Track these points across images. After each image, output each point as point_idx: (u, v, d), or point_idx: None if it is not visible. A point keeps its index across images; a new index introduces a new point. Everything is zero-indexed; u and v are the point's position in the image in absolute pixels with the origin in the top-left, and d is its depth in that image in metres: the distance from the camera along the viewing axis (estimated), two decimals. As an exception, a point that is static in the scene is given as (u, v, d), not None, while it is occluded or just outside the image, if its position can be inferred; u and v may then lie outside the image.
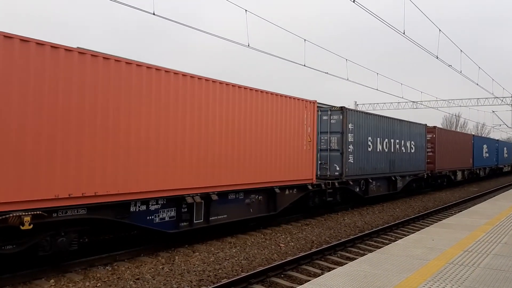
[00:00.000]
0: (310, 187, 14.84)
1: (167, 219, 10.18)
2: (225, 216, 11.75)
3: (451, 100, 46.33)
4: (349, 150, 17.31)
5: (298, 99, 14.31)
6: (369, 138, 18.83)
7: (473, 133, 45.92)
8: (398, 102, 46.48)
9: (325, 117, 17.38)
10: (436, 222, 15.01)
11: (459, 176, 31.88)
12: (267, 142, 12.92)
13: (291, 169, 13.89)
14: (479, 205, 14.80)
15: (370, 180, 19.06)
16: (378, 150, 19.53)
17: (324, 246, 11.06)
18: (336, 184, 16.54)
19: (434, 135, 26.98)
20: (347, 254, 10.98)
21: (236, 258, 10.11)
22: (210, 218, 11.29)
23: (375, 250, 10.39)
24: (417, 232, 9.58)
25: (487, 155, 40.16)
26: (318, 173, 16.89)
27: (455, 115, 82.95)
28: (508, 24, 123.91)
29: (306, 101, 14.66)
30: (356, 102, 48.36)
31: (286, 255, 10.66)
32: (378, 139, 19.61)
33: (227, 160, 11.57)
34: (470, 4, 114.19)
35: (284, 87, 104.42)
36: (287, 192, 13.99)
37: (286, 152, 13.70)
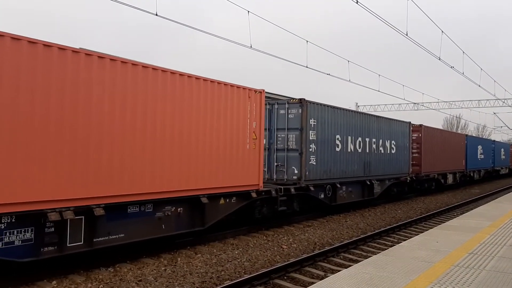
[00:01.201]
0: (254, 194, 12.29)
1: (17, 243, 7.32)
2: (122, 235, 9.00)
3: (452, 102, 46.33)
4: (311, 150, 14.84)
5: (239, 86, 11.78)
6: (338, 136, 16.38)
7: (474, 135, 45.70)
8: (399, 104, 46.51)
9: (282, 111, 14.97)
10: (439, 224, 14.94)
11: (450, 179, 29.36)
12: (190, 139, 10.20)
13: (228, 173, 11.32)
14: (482, 207, 14.76)
15: (338, 185, 16.47)
16: (349, 150, 17.09)
17: (327, 248, 11.00)
18: (292, 190, 14.04)
19: (420, 134, 24.49)
20: (350, 256, 10.93)
21: (238, 260, 10.06)
22: (96, 239, 8.47)
23: (378, 252, 10.37)
24: (421, 234, 9.53)
25: (482, 156, 37.56)
26: (274, 177, 14.89)
27: (456, 117, 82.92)
28: (511, 25, 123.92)
29: (250, 90, 12.15)
30: (357, 103, 48.36)
31: (289, 256, 10.61)
32: (350, 137, 17.17)
33: (125, 162, 8.81)
34: (473, 5, 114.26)
35: (286, 88, 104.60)
36: (221, 201, 11.43)
37: (220, 152, 11.07)
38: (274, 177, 14.93)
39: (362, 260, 9.29)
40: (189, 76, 10.21)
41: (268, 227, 13.72)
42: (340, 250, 11.19)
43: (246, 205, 12.36)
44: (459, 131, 71.24)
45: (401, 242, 11.52)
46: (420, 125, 24.72)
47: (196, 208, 10.66)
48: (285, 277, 8.95)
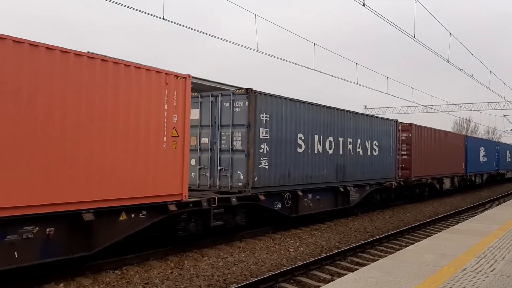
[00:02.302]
0: (173, 207, 9.65)
1: None
2: None
3: (461, 104, 46.02)
4: (262, 151, 12.49)
5: (149, 69, 9.22)
6: (300, 135, 13.95)
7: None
8: (408, 107, 46.26)
9: (227, 104, 12.65)
10: (448, 227, 14.83)
11: (447, 184, 26.60)
12: (74, 136, 7.87)
13: (132, 180, 8.81)
14: (491, 210, 14.64)
15: (301, 193, 13.94)
16: (316, 151, 14.68)
17: (334, 252, 10.97)
18: (234, 200, 11.56)
19: (410, 134, 21.96)
20: (357, 260, 10.88)
21: (245, 263, 10.06)
22: None
23: (385, 256, 10.32)
24: (429, 238, 9.48)
25: (485, 159, 34.79)
26: (218, 183, 12.63)
27: (466, 119, 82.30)
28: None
29: (169, 74, 9.63)
30: (366, 106, 48.20)
31: (296, 260, 10.59)
32: (317, 136, 14.73)
33: None
34: (482, 6, 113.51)
35: (294, 91, 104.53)
36: (122, 217, 8.81)
37: (118, 153, 8.59)
38: (218, 183, 12.66)
39: (369, 264, 9.27)
40: (51, 48, 7.59)
41: (275, 230, 13.70)
42: (348, 254, 11.14)
43: (166, 220, 9.95)
44: (469, 134, 70.70)
45: (408, 245, 11.47)
46: (410, 124, 22.37)
47: (78, 227, 8.06)
48: (292, 281, 8.93)
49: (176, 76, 9.83)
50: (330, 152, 15.48)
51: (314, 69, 18.45)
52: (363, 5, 12.15)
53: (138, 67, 9.00)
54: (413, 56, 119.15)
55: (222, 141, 12.71)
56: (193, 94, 12.07)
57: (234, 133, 12.48)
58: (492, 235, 9.63)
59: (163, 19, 11.28)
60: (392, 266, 6.67)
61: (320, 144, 14.94)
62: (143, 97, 9.04)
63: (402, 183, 20.89)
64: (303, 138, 14.08)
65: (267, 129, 12.73)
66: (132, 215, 8.96)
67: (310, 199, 14.66)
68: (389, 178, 19.68)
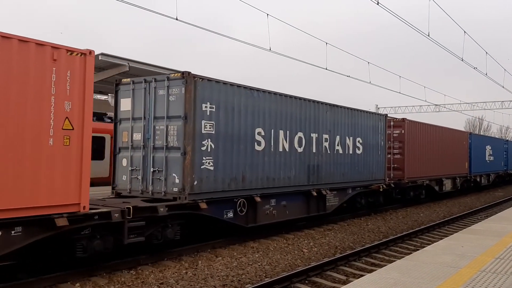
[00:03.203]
0: (64, 221, 7.51)
1: None
2: None
3: (474, 103, 45.54)
4: (204, 148, 10.42)
5: (27, 40, 7.14)
6: (259, 130, 11.90)
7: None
8: (421, 106, 45.89)
9: (161, 91, 10.56)
10: (463, 228, 14.68)
11: (448, 185, 24.43)
12: None
13: None
14: (507, 210, 14.46)
15: (259, 199, 11.87)
16: (280, 149, 12.64)
17: (348, 252, 10.90)
18: (162, 209, 9.37)
19: (403, 131, 19.81)
20: (372, 260, 10.80)
21: (259, 263, 10.03)
22: None
23: (400, 257, 10.25)
24: (445, 238, 9.37)
25: (492, 158, 32.27)
26: (151, 188, 10.51)
27: (478, 118, 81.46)
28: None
29: (59, 48, 7.52)
30: (377, 105, 47.93)
31: (310, 260, 10.54)
32: (282, 132, 12.69)
33: None
34: (496, 4, 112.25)
35: (306, 90, 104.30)
36: None
37: None
38: (150, 189, 10.56)
39: (384, 265, 9.20)
40: None
41: (288, 231, 13.65)
42: (362, 254, 11.07)
43: (58, 237, 7.85)
44: (481, 133, 69.97)
45: (424, 246, 11.38)
46: (403, 119, 20.30)
47: None
48: (307, 281, 8.89)
49: (70, 51, 7.64)
50: (300, 150, 13.42)
51: (326, 69, 18.39)
52: (377, 4, 12.06)
53: (5, 36, 6.88)
54: (426, 54, 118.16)
55: (156, 137, 10.61)
56: (125, 80, 11.17)
57: (169, 126, 10.37)
58: (509, 235, 9.49)
59: (176, 19, 11.29)
60: (410, 267, 6.59)
61: (286, 141, 12.89)
62: (13, 77, 6.93)
63: (392, 185, 18.78)
64: (263, 133, 12.03)
65: (212, 122, 10.59)
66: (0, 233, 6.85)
67: (274, 205, 12.53)
68: (377, 180, 17.55)
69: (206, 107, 10.49)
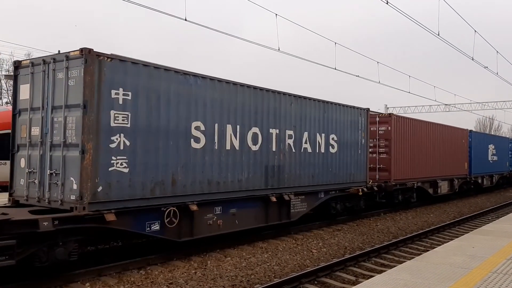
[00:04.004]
0: None
1: None
2: None
3: (485, 103, 45.18)
4: (115, 145, 8.30)
5: None
6: (197, 123, 9.91)
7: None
8: (430, 105, 45.61)
9: (60, 75, 8.42)
10: (474, 228, 14.56)
11: (444, 188, 22.39)
12: None
13: None
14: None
15: (195, 207, 9.76)
16: (228, 147, 10.69)
17: (358, 253, 10.85)
18: (45, 224, 7.34)
19: (389, 127, 17.84)
20: (382, 261, 10.74)
21: (268, 264, 10.02)
22: None
23: (410, 257, 10.18)
24: (456, 239, 9.30)
25: (495, 158, 30.09)
26: (47, 195, 8.35)
27: (489, 118, 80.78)
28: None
29: None
30: (386, 105, 47.70)
31: (319, 261, 10.50)
32: (230, 126, 10.72)
33: None
34: (507, 3, 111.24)
35: (315, 90, 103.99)
36: None
37: None
38: (47, 195, 8.40)
39: (394, 265, 9.15)
40: None
41: (297, 231, 13.61)
42: (371, 255, 11.01)
43: None
44: (492, 133, 69.31)
45: (434, 247, 11.30)
46: (389, 115, 18.55)
47: None
48: (316, 282, 8.86)
49: None
50: (255, 148, 11.46)
51: (335, 69, 18.33)
52: (387, 3, 12.00)
53: None
54: (436, 54, 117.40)
55: (54, 131, 8.50)
56: (25, 62, 9.24)
57: (67, 118, 8.25)
58: (521, 236, 9.40)
59: (185, 20, 11.32)
60: (421, 268, 6.55)
61: (236, 138, 10.94)
62: None
63: (375, 188, 16.79)
64: (202, 128, 10.07)
65: (127, 113, 8.50)
66: None
67: (219, 214, 10.60)
68: (357, 182, 15.54)
69: (117, 94, 8.32)
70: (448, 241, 10.10)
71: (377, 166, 17.83)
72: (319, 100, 13.76)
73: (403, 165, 18.40)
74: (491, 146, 29.56)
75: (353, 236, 13.50)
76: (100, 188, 8.10)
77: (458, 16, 17.00)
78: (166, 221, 9.26)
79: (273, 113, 12.04)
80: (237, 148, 10.96)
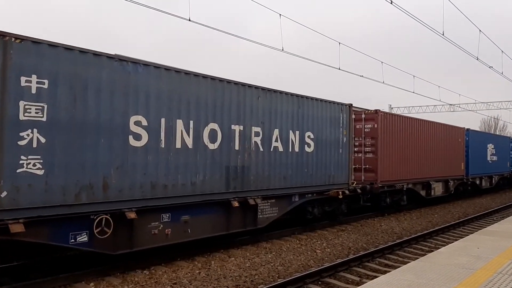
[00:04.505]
0: None
1: None
2: None
3: (490, 103, 44.98)
4: (25, 143, 7.11)
5: None
6: (137, 118, 8.62)
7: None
8: (435, 105, 45.46)
9: None
10: (479, 229, 14.50)
11: (438, 189, 21.06)
12: None
13: None
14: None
15: (134, 215, 8.39)
16: (178, 145, 9.38)
17: (362, 253, 10.82)
18: None
19: (376, 125, 16.56)
20: (386, 262, 10.71)
21: (272, 264, 10.01)
22: None
23: (415, 258, 10.16)
24: (461, 239, 9.25)
25: (495, 158, 28.73)
26: None
27: (494, 118, 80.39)
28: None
29: None
30: (390, 105, 47.58)
31: (323, 261, 10.49)
32: (180, 122, 9.42)
33: None
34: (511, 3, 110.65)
35: (318, 90, 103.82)
36: None
37: None
38: None
39: (398, 266, 9.13)
40: None
41: (301, 231, 13.60)
42: (376, 255, 10.98)
43: None
44: (497, 133, 68.97)
45: (438, 247, 11.27)
46: (376, 111, 16.86)
47: None
48: (320, 282, 8.85)
49: None
50: (213, 147, 10.15)
51: (339, 69, 18.30)
52: (391, 3, 11.96)
53: None
54: (441, 54, 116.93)
55: None
56: None
57: None
58: (526, 237, 9.34)
59: (189, 20, 11.32)
60: (425, 269, 6.52)
61: (189, 135, 9.62)
62: None
63: (359, 190, 15.55)
64: (145, 123, 8.74)
65: (43, 104, 7.28)
66: None
67: (167, 222, 9.25)
68: (338, 184, 14.16)
69: (29, 81, 7.15)
70: (453, 242, 10.07)
71: (363, 166, 16.74)
72: (292, 94, 12.47)
73: (391, 166, 17.23)
74: (490, 146, 28.26)
75: (357, 237, 13.47)
76: (4, 194, 6.79)
77: (462, 15, 16.92)
78: (96, 231, 7.96)
79: (236, 108, 10.74)
80: (190, 146, 9.61)
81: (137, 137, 8.61)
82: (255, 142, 11.27)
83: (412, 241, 12.88)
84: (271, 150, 11.76)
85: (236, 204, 10.60)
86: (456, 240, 10.86)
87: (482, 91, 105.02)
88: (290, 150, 12.35)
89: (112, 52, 8.37)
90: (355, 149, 16.39)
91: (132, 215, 8.35)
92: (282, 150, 12.06)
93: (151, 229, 8.96)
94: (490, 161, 28.15)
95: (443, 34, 15.48)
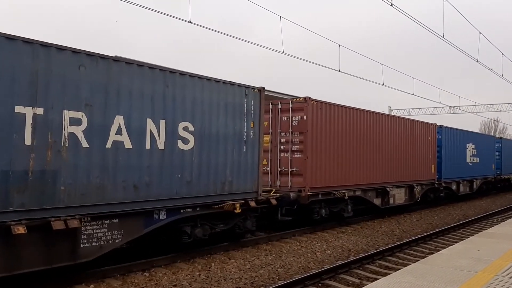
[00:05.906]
0: None
1: None
2: None
3: (490, 105, 44.99)
4: None
5: None
6: None
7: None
8: (435, 107, 45.47)
9: None
10: (479, 231, 14.49)
11: (399, 197, 17.72)
12: None
13: None
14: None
15: None
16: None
17: (362, 255, 10.81)
18: None
19: (305, 116, 13.04)
20: (386, 264, 10.69)
21: (272, 266, 10.00)
22: None
23: (415, 260, 10.15)
24: (461, 242, 9.25)
25: (476, 160, 25.43)
26: None
27: (494, 120, 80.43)
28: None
29: None
30: (390, 107, 47.56)
31: (323, 263, 10.48)
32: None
33: None
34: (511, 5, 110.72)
35: (318, 92, 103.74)
36: None
37: None
38: None
39: (399, 268, 9.12)
40: None
41: (302, 233, 13.59)
42: (376, 257, 10.97)
43: None
44: (497, 135, 68.96)
45: (439, 249, 11.26)
46: (305, 99, 13.13)
47: None
48: (320, 284, 8.84)
49: None
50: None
51: (339, 71, 18.32)
52: (391, 5, 11.98)
53: None
54: (441, 56, 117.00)
55: None
56: None
57: None
58: (527, 239, 9.34)
59: (190, 22, 11.34)
60: (425, 271, 6.52)
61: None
62: None
63: (274, 201, 12.04)
64: None
65: None
66: None
67: None
68: (237, 194, 10.76)
69: None
70: (453, 244, 10.07)
71: (290, 169, 13.35)
72: (153, 67, 8.96)
73: (327, 168, 13.74)
74: (470, 145, 24.69)
75: (357, 239, 13.46)
76: None
77: (462, 18, 16.95)
78: None
79: (29, 81, 7.03)
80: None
81: None
82: (73, 134, 7.57)
83: (413, 243, 12.87)
84: (107, 146, 8.10)
85: (22, 230, 6.75)
86: (457, 242, 10.86)
87: (482, 94, 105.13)
88: (147, 146, 8.80)
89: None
90: (281, 147, 13.65)
91: None
92: (130, 146, 8.47)
93: None
94: (470, 163, 24.67)
95: (443, 37, 15.51)
